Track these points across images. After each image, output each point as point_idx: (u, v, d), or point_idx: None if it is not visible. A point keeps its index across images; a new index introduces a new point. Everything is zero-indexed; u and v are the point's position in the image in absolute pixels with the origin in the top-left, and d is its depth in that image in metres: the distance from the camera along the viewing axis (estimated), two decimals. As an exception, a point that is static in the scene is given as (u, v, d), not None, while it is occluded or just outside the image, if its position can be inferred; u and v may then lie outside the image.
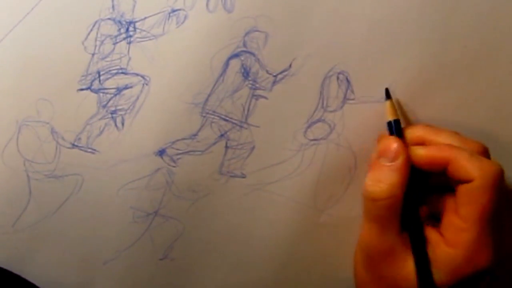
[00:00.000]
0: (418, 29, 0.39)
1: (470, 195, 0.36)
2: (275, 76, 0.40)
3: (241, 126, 0.40)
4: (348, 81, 0.40)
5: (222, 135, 0.40)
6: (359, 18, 0.39)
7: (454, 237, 0.37)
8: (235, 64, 0.39)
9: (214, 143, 0.41)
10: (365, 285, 0.40)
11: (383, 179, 0.37)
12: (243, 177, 0.41)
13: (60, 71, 0.38)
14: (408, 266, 0.37)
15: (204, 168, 0.41)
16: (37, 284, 0.42)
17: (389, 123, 0.39)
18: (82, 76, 0.39)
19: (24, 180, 0.40)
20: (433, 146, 0.38)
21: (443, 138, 0.38)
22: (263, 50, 0.39)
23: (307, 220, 0.42)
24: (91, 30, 0.38)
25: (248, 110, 0.40)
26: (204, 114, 0.40)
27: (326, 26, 0.39)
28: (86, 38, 0.38)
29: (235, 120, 0.40)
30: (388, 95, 0.40)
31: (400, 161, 0.37)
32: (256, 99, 0.40)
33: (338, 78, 0.40)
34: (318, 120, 0.41)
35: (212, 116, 0.40)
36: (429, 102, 0.41)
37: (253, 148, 0.41)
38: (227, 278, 0.44)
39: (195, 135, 0.40)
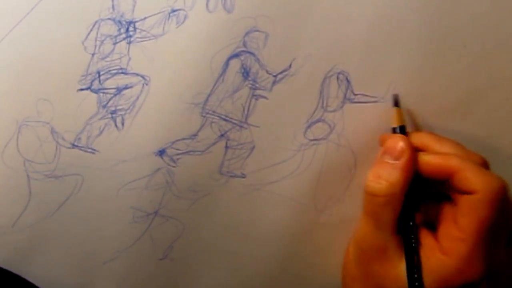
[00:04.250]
0: (418, 28, 0.39)
1: (471, 207, 0.36)
2: (275, 76, 0.40)
3: (241, 126, 0.40)
4: (348, 81, 0.40)
5: (222, 135, 0.40)
6: (359, 18, 0.39)
7: (449, 246, 0.37)
8: (235, 64, 0.39)
9: (214, 143, 0.41)
10: (353, 281, 0.40)
11: (384, 176, 0.37)
12: (243, 177, 0.41)
13: (60, 71, 0.38)
14: (399, 268, 0.37)
15: (204, 168, 0.41)
16: (37, 284, 0.42)
17: (394, 129, 0.39)
18: (82, 76, 0.39)
19: (24, 180, 0.40)
20: (440, 155, 0.38)
21: (447, 148, 0.38)
22: (263, 50, 0.39)
23: (307, 220, 0.42)
24: (91, 30, 0.38)
25: (248, 110, 0.40)
26: (204, 114, 0.40)
27: (326, 26, 0.39)
28: (86, 38, 0.38)
29: (235, 120, 0.40)
30: (396, 102, 0.40)
31: (403, 160, 0.37)
32: (256, 99, 0.40)
33: (338, 78, 0.40)
34: (318, 120, 0.41)
35: (212, 116, 0.40)
36: (429, 102, 0.41)
37: (253, 148, 0.41)
38: (227, 277, 0.44)
39: (195, 135, 0.40)
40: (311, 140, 0.41)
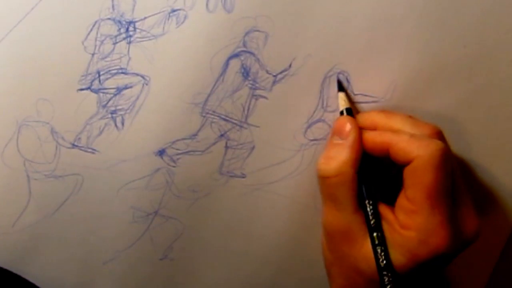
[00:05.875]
0: (418, 29, 0.39)
1: (413, 176, 0.36)
2: (275, 76, 0.40)
3: (241, 126, 0.40)
4: (348, 81, 0.40)
5: (222, 135, 0.40)
6: (359, 18, 0.39)
7: (406, 220, 0.36)
8: (235, 64, 0.39)
9: (214, 143, 0.41)
10: (331, 265, 0.40)
11: (334, 156, 0.38)
12: (243, 177, 0.41)
13: (60, 71, 0.38)
14: (365, 246, 0.37)
15: (204, 168, 0.41)
16: (37, 284, 0.42)
17: (341, 112, 0.39)
18: (82, 76, 0.39)
19: (24, 180, 0.40)
20: (375, 131, 0.38)
21: (394, 122, 0.38)
22: (263, 50, 0.39)
23: (307, 219, 0.42)
24: (91, 30, 0.38)
25: (248, 110, 0.40)
26: (204, 114, 0.40)
27: (326, 26, 0.39)
28: (86, 38, 0.38)
29: (235, 120, 0.40)
30: (340, 87, 0.40)
31: (351, 138, 0.38)
32: (256, 99, 0.40)
33: (338, 78, 0.40)
34: (318, 120, 0.41)
35: (212, 116, 0.40)
36: (429, 102, 0.41)
37: (253, 148, 0.41)
38: (227, 277, 0.44)
39: (195, 135, 0.40)
40: (311, 140, 0.41)
